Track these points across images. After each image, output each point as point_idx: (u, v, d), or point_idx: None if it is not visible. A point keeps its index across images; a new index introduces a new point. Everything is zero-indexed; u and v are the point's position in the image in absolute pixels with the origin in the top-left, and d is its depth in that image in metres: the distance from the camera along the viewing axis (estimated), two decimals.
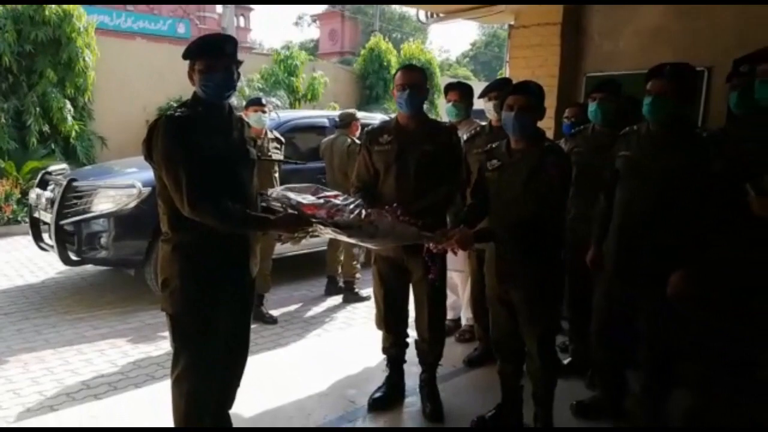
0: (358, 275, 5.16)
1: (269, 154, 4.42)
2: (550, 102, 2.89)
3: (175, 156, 2.04)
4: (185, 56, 2.16)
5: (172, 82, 11.48)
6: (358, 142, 4.87)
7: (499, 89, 3.36)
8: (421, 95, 2.78)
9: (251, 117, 4.24)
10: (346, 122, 5.14)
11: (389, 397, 3.05)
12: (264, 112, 4.44)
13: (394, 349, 3.04)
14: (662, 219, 2.51)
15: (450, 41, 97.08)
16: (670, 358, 2.66)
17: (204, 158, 2.07)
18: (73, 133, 9.43)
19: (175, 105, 11.43)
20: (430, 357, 2.99)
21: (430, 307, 2.88)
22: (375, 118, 7.12)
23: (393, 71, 15.28)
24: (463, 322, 4.07)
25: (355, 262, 5.13)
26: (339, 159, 4.94)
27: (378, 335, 3.13)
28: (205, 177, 2.06)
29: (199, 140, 2.08)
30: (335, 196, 2.33)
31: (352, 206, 2.24)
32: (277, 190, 2.35)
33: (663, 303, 2.53)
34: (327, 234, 2.29)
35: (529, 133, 2.53)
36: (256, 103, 4.46)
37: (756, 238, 2.29)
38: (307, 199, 2.23)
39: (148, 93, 11.22)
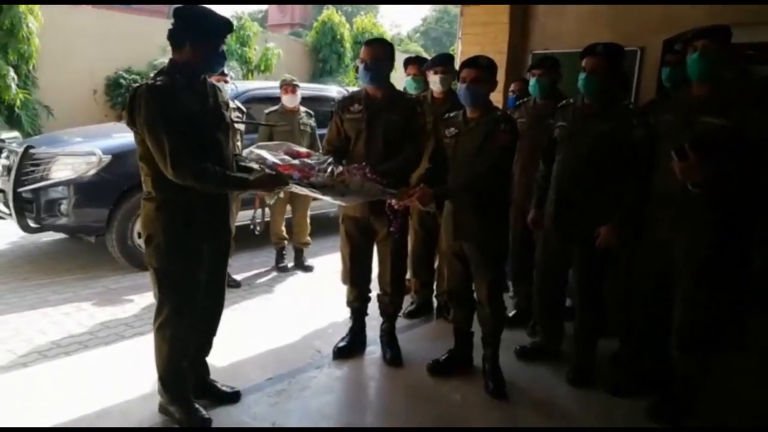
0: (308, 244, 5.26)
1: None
2: (499, 77, 3.15)
3: (157, 122, 2.19)
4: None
5: (121, 50, 11.19)
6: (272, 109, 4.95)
7: (443, 64, 3.58)
8: (383, 68, 2.96)
9: None
10: None
11: (352, 345, 3.31)
12: (226, 81, 4.53)
13: (357, 302, 3.28)
14: (590, 179, 2.85)
15: (401, 16, 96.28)
16: (599, 304, 3.01)
17: (184, 123, 2.23)
18: (18, 102, 9.11)
19: (124, 74, 11.01)
20: (390, 308, 3.27)
21: (393, 262, 3.13)
22: (330, 90, 7.26)
23: (346, 44, 15.35)
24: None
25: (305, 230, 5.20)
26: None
27: (341, 292, 3.38)
28: (187, 141, 2.22)
29: (179, 106, 2.23)
30: (307, 155, 2.53)
31: (324, 165, 2.46)
32: (252, 149, 2.53)
33: (593, 253, 2.87)
34: (302, 192, 2.50)
35: (481, 102, 2.81)
36: (218, 73, 4.53)
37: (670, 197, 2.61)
38: (283, 159, 2.43)
39: (95, 61, 10.89)
